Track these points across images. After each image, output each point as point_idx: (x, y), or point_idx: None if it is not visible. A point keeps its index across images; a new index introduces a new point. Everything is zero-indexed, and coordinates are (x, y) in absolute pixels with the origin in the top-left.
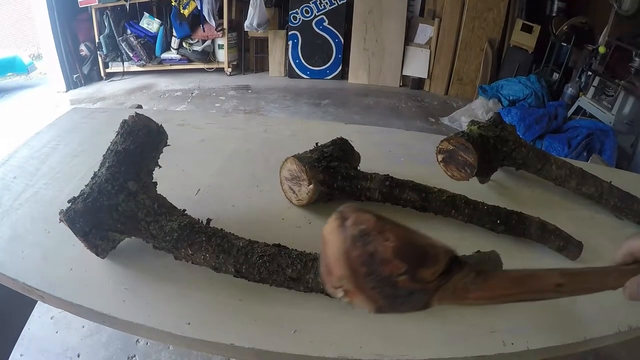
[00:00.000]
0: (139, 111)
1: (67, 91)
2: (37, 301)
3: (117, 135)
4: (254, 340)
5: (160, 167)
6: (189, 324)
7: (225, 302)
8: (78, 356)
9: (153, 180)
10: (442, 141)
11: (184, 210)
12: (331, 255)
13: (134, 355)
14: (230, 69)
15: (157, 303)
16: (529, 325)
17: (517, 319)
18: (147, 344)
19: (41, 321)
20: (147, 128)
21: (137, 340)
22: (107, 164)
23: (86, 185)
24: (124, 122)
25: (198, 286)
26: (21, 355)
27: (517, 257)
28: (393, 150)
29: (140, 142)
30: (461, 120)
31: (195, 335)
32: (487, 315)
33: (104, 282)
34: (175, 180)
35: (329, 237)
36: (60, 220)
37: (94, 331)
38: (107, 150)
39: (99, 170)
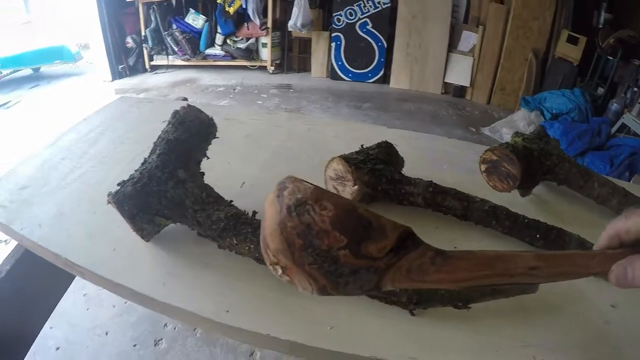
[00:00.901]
0: (187, 104)
1: (112, 81)
2: (73, 278)
3: (168, 124)
4: (291, 332)
5: (208, 158)
6: (228, 311)
7: (265, 293)
8: (106, 334)
9: (201, 171)
10: (486, 151)
11: (231, 201)
12: (267, 227)
13: (161, 339)
14: (272, 68)
15: (197, 289)
16: (561, 342)
17: (550, 335)
18: (174, 328)
19: (74, 297)
20: (199, 119)
21: (165, 325)
22: (157, 151)
23: (136, 170)
24: (176, 112)
25: (239, 276)
26: (51, 327)
27: None
28: (435, 157)
29: (191, 133)
30: (502, 131)
31: (233, 323)
32: (519, 328)
33: (146, 265)
34: (221, 172)
35: (267, 208)
36: (109, 202)
37: (124, 311)
38: (158, 138)
39: (149, 156)
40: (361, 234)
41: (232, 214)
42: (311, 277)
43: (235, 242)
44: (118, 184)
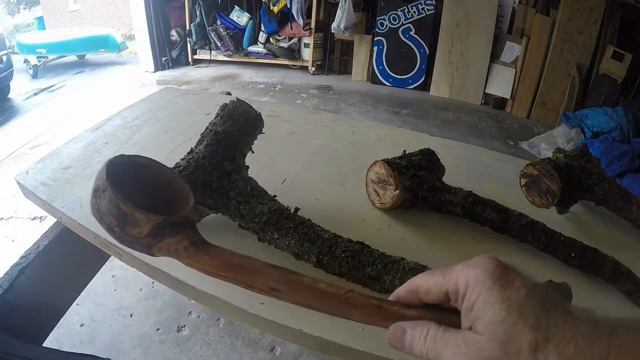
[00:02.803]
0: (232, 98)
1: (154, 72)
2: (106, 259)
3: (216, 116)
4: (322, 330)
5: (253, 152)
6: (262, 304)
7: None
8: (131, 315)
9: (245, 164)
10: (527, 165)
11: (275, 196)
12: None
13: (184, 326)
14: (313, 68)
15: None
16: None
17: None
18: (198, 317)
19: (102, 277)
20: (247, 114)
21: (190, 313)
22: (205, 142)
23: (182, 159)
24: (225, 105)
25: None
26: (77, 304)
27: (585, 293)
28: (475, 168)
29: (238, 126)
30: (540, 146)
31: (267, 315)
32: None
33: None
34: (264, 167)
35: None
36: None
37: (150, 296)
38: (206, 129)
39: (196, 146)
40: (123, 221)
41: (275, 208)
42: (114, 237)
43: (276, 236)
44: None
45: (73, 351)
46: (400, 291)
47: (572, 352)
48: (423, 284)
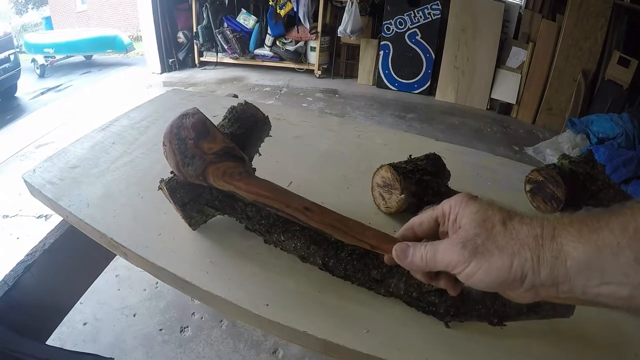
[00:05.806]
0: (240, 100)
1: (161, 73)
2: (111, 259)
3: (224, 119)
4: (327, 332)
5: (260, 155)
6: (267, 305)
7: (305, 291)
8: (134, 315)
9: (252, 167)
10: (532, 171)
11: None
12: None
13: (187, 327)
14: (319, 72)
15: (239, 280)
16: None
17: (581, 357)
18: (201, 318)
19: (106, 277)
20: (255, 117)
21: (193, 313)
22: None
23: None
24: (233, 108)
25: (281, 271)
26: (80, 303)
27: None
28: (480, 173)
29: (246, 129)
30: (546, 152)
31: (272, 317)
32: (552, 351)
33: (190, 252)
34: (270, 169)
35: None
36: (160, 188)
37: (154, 296)
38: None
39: None
40: (202, 135)
41: None
42: (173, 152)
43: (282, 238)
44: (171, 172)
45: (76, 350)
46: (399, 231)
47: (530, 221)
48: (417, 219)
